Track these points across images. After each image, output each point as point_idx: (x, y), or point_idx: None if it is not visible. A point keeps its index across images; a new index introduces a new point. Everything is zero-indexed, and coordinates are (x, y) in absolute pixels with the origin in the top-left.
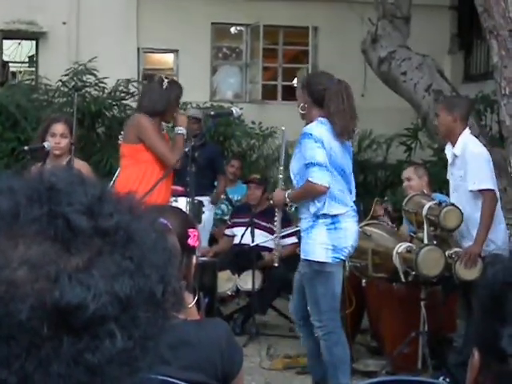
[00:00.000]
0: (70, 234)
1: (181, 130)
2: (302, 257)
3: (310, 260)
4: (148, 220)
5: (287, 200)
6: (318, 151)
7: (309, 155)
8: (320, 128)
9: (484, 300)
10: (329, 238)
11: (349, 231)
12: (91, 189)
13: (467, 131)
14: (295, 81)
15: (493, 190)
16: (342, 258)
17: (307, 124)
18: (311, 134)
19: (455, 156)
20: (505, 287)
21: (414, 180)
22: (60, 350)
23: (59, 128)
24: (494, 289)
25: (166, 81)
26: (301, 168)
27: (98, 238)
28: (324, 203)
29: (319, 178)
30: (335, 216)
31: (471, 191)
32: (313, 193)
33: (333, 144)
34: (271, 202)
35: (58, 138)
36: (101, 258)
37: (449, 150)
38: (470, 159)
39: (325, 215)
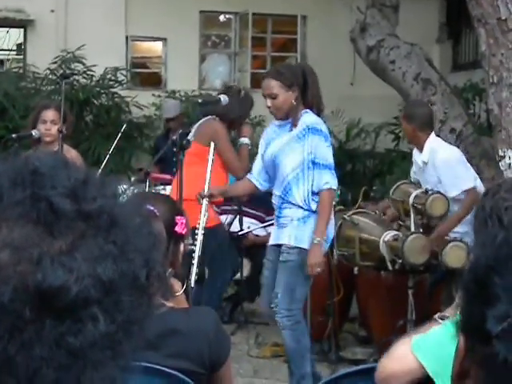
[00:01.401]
0: (53, 217)
1: (245, 140)
2: (293, 244)
3: (302, 248)
4: (132, 204)
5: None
6: (329, 152)
7: (321, 155)
8: (320, 121)
9: (468, 284)
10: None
11: (332, 225)
12: (75, 173)
13: (432, 136)
14: None
15: (474, 188)
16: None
17: (280, 119)
18: (321, 130)
19: (425, 163)
20: (488, 270)
21: None
22: (42, 333)
23: (49, 115)
24: (477, 273)
25: (243, 92)
26: (302, 161)
27: (81, 222)
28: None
29: (334, 183)
30: None
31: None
32: (333, 200)
33: None
34: (312, 269)
35: (48, 124)
36: (84, 241)
37: (417, 156)
38: (441, 167)
39: None
